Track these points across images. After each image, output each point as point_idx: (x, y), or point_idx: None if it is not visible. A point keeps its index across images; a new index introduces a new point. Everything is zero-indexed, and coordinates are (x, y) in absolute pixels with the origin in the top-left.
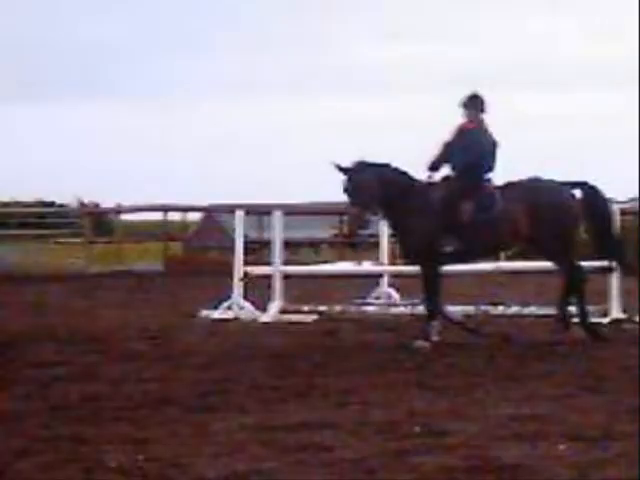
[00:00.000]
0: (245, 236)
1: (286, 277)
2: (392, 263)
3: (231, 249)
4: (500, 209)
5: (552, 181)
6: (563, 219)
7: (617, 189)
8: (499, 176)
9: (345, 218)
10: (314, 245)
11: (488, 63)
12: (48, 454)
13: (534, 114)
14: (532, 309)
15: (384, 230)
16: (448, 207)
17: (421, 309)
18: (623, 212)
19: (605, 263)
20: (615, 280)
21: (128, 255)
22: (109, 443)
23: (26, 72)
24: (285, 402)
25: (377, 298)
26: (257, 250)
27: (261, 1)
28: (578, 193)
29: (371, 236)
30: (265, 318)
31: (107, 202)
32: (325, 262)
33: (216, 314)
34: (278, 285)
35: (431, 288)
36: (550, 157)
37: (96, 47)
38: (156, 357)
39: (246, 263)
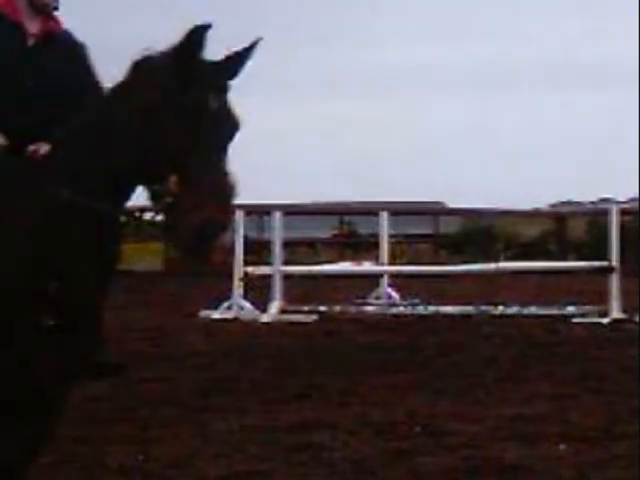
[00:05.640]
0: (245, 236)
1: (286, 277)
2: (392, 263)
3: (231, 249)
4: None
5: None
6: None
7: (617, 189)
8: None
9: (345, 218)
10: (314, 246)
11: (490, 63)
12: (49, 454)
13: (535, 114)
14: (532, 309)
15: (384, 230)
16: None
17: (421, 309)
18: (624, 212)
19: (605, 263)
20: (615, 280)
21: (128, 255)
22: (110, 443)
23: None
24: (285, 402)
25: (377, 298)
26: (257, 250)
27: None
28: None
29: (371, 236)
30: (265, 318)
31: None
32: (326, 262)
33: (216, 314)
34: (278, 285)
35: None
36: (551, 157)
37: (98, 48)
38: (156, 357)
39: (246, 263)
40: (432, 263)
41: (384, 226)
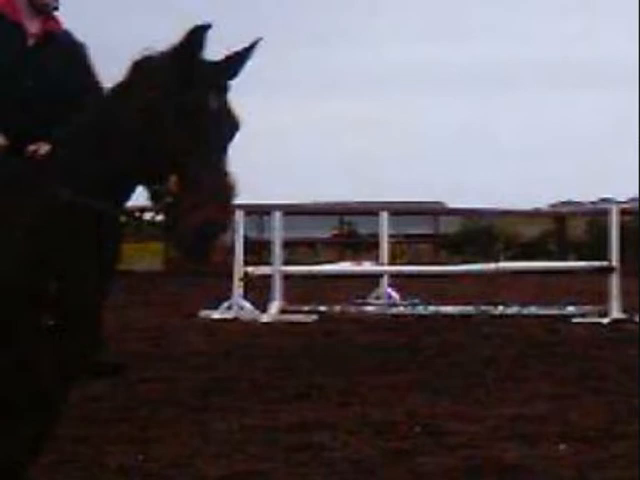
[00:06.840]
0: (245, 236)
1: (286, 277)
2: (392, 263)
3: (231, 249)
4: None
5: None
6: None
7: (617, 189)
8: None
9: (345, 218)
10: (314, 246)
11: (490, 63)
12: (49, 454)
13: (535, 114)
14: (532, 309)
15: (384, 230)
16: None
17: (421, 309)
18: (624, 212)
19: (605, 263)
20: (615, 280)
21: (129, 255)
22: (110, 443)
23: None
24: (285, 402)
25: (377, 298)
26: (257, 250)
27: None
28: None
29: (371, 236)
30: (265, 318)
31: None
32: (326, 262)
33: (216, 314)
34: (278, 285)
35: None
36: (551, 157)
37: (97, 48)
38: (156, 357)
39: (246, 263)
40: (432, 263)
41: (384, 226)
